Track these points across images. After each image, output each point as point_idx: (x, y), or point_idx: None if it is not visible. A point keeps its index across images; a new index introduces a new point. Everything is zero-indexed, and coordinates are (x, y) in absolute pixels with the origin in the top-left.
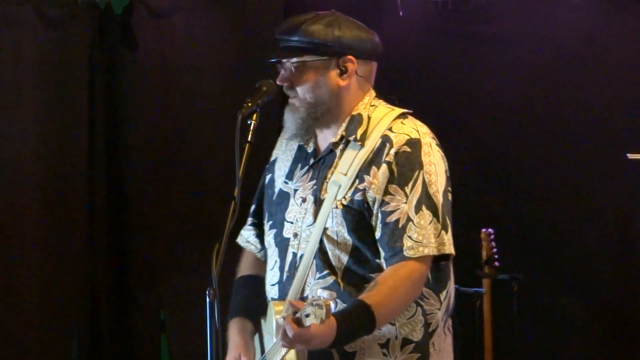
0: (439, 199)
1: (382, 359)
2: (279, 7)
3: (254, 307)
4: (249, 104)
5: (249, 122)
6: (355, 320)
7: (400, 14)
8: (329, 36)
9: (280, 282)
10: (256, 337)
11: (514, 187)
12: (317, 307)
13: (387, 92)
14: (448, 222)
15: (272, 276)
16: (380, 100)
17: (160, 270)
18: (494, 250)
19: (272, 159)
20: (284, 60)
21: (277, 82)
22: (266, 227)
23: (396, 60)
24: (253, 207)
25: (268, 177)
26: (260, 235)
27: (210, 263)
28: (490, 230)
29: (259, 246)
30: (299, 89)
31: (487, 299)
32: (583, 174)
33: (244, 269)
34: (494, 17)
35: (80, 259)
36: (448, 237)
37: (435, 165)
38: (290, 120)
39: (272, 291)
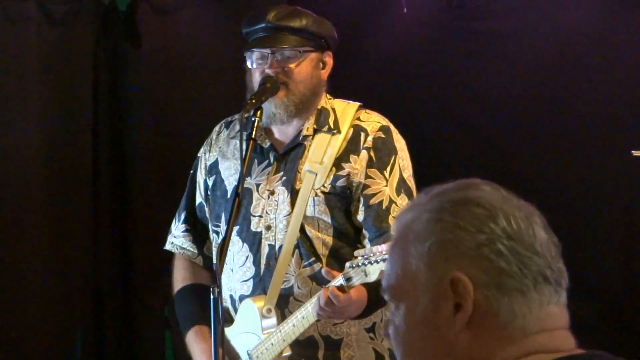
0: (412, 183)
1: (370, 343)
2: (281, 4)
3: (207, 316)
4: (253, 101)
5: (252, 119)
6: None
7: (405, 10)
8: (322, 30)
9: (256, 276)
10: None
11: (515, 183)
12: (366, 264)
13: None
14: None
15: (243, 272)
16: (329, 95)
17: (164, 269)
18: None
19: (205, 162)
20: (287, 47)
21: (271, 69)
22: (222, 228)
23: (401, 56)
24: (183, 214)
25: (211, 179)
26: (197, 240)
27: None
28: None
29: (195, 252)
30: (295, 78)
31: None
32: (587, 170)
33: (186, 278)
34: (497, 14)
35: (84, 257)
36: None
37: (404, 151)
38: (277, 107)
39: (244, 287)
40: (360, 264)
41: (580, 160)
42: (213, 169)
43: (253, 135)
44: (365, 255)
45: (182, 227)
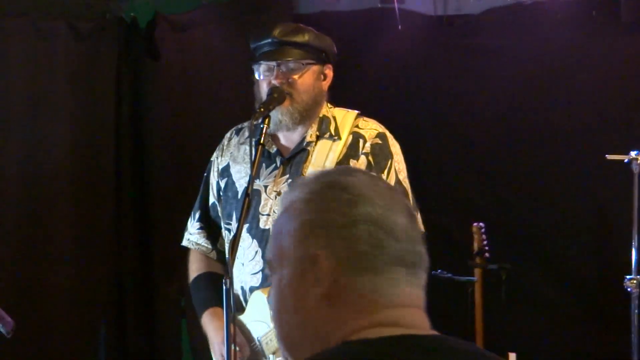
0: (408, 184)
1: None
2: (288, 22)
3: (220, 299)
4: (262, 110)
5: (261, 126)
6: None
7: (399, 27)
8: (323, 44)
9: (264, 269)
10: (240, 327)
11: (503, 185)
12: None
13: (389, 99)
14: (416, 204)
15: (253, 266)
16: (330, 104)
17: (181, 262)
18: (485, 242)
19: (218, 166)
20: (291, 60)
21: (277, 80)
22: (233, 225)
23: (396, 70)
24: (198, 213)
25: (223, 181)
26: (211, 237)
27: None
28: (481, 224)
29: (210, 247)
30: (299, 89)
31: (478, 287)
32: (566, 173)
33: (200, 268)
34: (485, 32)
35: (108, 252)
36: (418, 217)
37: (399, 155)
38: (282, 115)
39: (253, 280)
40: None
41: (560, 163)
42: (225, 172)
43: (262, 141)
44: None
45: (197, 224)
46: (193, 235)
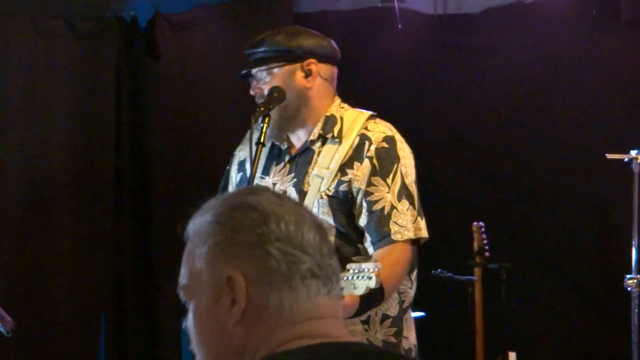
0: (414, 188)
1: (364, 334)
2: (288, 21)
3: None
4: (262, 109)
5: (262, 125)
6: (372, 293)
7: (399, 26)
8: (292, 43)
9: None
10: None
11: (503, 184)
12: (365, 278)
13: (387, 97)
14: (421, 209)
15: None
16: (346, 104)
17: (181, 260)
18: (485, 241)
19: (239, 159)
20: (254, 71)
21: (251, 93)
22: None
23: (395, 69)
24: None
25: (239, 175)
26: None
27: None
28: (481, 223)
29: None
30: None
31: (478, 286)
32: (566, 172)
33: None
34: (484, 30)
35: (108, 251)
36: (423, 223)
37: (407, 159)
38: (273, 122)
39: None
40: (350, 277)
41: (560, 162)
42: (241, 166)
43: (262, 140)
44: (356, 270)
45: None
46: None
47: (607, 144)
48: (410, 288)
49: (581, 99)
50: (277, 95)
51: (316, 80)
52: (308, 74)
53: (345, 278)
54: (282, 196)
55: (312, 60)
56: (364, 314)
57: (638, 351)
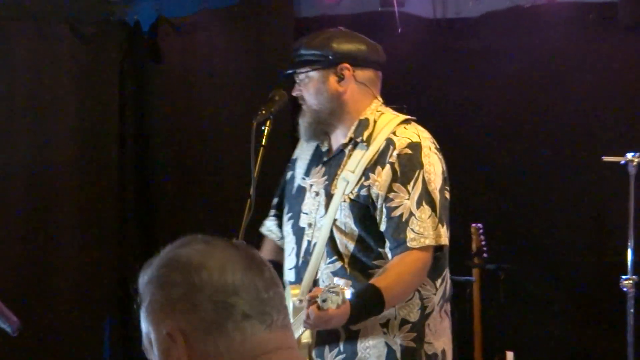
0: (437, 195)
1: (383, 337)
2: (289, 25)
3: None
4: (263, 112)
5: (262, 128)
6: (368, 302)
7: (399, 30)
8: (325, 48)
9: (296, 267)
10: None
11: (501, 187)
12: (334, 293)
13: (389, 101)
14: (444, 217)
15: (290, 261)
16: (387, 108)
17: None
18: (483, 243)
19: (293, 157)
20: (293, 72)
21: (293, 93)
22: (285, 218)
23: (395, 72)
24: (276, 200)
25: (289, 174)
26: (281, 225)
27: None
28: (479, 225)
29: (279, 234)
30: (306, 97)
31: (476, 286)
32: (563, 175)
33: (266, 253)
34: (482, 34)
35: (113, 250)
36: (444, 230)
37: (434, 166)
38: (301, 125)
39: (289, 274)
40: (326, 291)
41: (558, 164)
42: (292, 165)
43: (263, 143)
44: (331, 285)
45: (273, 211)
46: (268, 221)
47: (604, 146)
48: (434, 294)
49: (578, 102)
50: (278, 98)
51: (350, 85)
52: (341, 78)
53: (330, 290)
54: (211, 241)
55: (346, 64)
56: (363, 320)
57: (634, 351)
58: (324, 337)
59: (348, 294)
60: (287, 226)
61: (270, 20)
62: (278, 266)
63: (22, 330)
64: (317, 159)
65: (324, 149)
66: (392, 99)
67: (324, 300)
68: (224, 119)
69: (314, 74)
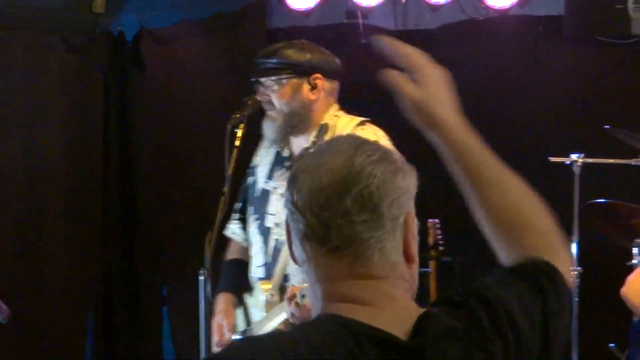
0: None
1: None
2: (261, 35)
3: (239, 285)
4: (237, 116)
5: (236, 131)
6: None
7: (363, 41)
8: (302, 58)
9: (265, 264)
10: (241, 309)
11: (456, 184)
12: (303, 297)
13: (353, 107)
14: None
15: (258, 259)
16: (342, 112)
17: (164, 254)
18: (439, 237)
19: (252, 165)
20: (263, 79)
21: (258, 98)
22: (251, 219)
23: (358, 80)
24: (239, 205)
25: (250, 179)
26: (245, 228)
27: (204, 248)
28: (436, 220)
29: (243, 236)
30: (277, 103)
31: (432, 278)
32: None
33: (232, 253)
34: (441, 45)
35: (96, 246)
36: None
37: None
38: (270, 129)
39: (258, 272)
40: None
41: (507, 164)
42: (253, 171)
43: (236, 145)
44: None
45: (237, 216)
46: (232, 225)
47: (551, 148)
48: None
49: (528, 107)
50: (251, 103)
51: (320, 94)
52: (314, 87)
53: (303, 287)
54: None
55: (319, 75)
56: None
57: (577, 337)
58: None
59: None
60: (253, 227)
61: (244, 31)
62: (245, 264)
63: (7, 324)
64: (279, 163)
65: (286, 154)
66: (356, 106)
67: (302, 296)
68: (201, 121)
69: (287, 81)
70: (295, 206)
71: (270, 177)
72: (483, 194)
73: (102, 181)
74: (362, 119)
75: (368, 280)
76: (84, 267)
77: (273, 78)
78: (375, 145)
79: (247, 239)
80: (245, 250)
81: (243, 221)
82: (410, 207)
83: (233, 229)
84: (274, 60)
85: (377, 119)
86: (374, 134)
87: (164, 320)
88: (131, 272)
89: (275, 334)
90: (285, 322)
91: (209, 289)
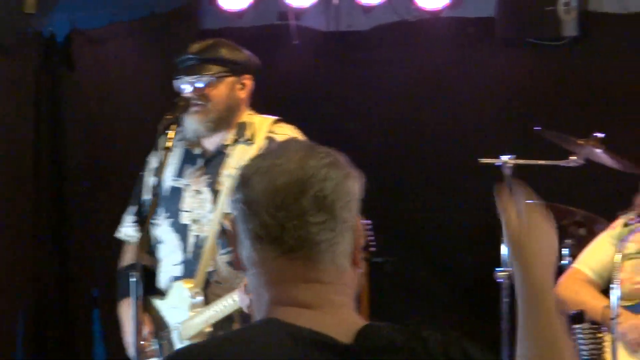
0: None
1: None
2: (194, 36)
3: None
4: (169, 117)
5: (167, 132)
6: None
7: (296, 42)
8: (237, 57)
9: (184, 262)
10: (157, 312)
11: (389, 187)
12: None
13: (284, 108)
14: None
15: (174, 257)
16: (253, 111)
17: (95, 256)
18: (371, 237)
19: (151, 166)
20: (206, 77)
21: (192, 94)
22: (161, 218)
23: (291, 81)
24: (135, 208)
25: (153, 179)
26: (142, 230)
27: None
28: (368, 221)
29: (138, 238)
30: (212, 100)
31: (363, 277)
32: (443, 175)
33: (130, 258)
34: (374, 45)
35: (26, 250)
36: None
37: None
38: (196, 124)
39: (175, 270)
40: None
41: (439, 166)
42: (156, 172)
43: (167, 146)
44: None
45: (131, 218)
46: (125, 228)
47: (481, 149)
48: None
49: (459, 108)
50: (182, 104)
51: (246, 94)
52: (243, 87)
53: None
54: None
55: (248, 75)
56: None
57: (508, 337)
58: (219, 323)
59: None
60: (165, 225)
61: (176, 32)
62: (141, 267)
63: None
64: (189, 162)
65: (197, 151)
66: (288, 104)
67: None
68: (132, 122)
69: (220, 79)
70: (248, 206)
71: (180, 175)
72: (531, 344)
73: (33, 183)
74: (276, 117)
75: (317, 284)
76: (12, 273)
77: (206, 75)
78: (325, 149)
79: (147, 240)
80: (141, 252)
81: (141, 223)
82: (358, 212)
83: (127, 232)
84: (206, 57)
85: (308, 118)
86: (292, 131)
87: (95, 322)
88: (62, 274)
89: (217, 340)
90: (239, 311)
91: (140, 290)
